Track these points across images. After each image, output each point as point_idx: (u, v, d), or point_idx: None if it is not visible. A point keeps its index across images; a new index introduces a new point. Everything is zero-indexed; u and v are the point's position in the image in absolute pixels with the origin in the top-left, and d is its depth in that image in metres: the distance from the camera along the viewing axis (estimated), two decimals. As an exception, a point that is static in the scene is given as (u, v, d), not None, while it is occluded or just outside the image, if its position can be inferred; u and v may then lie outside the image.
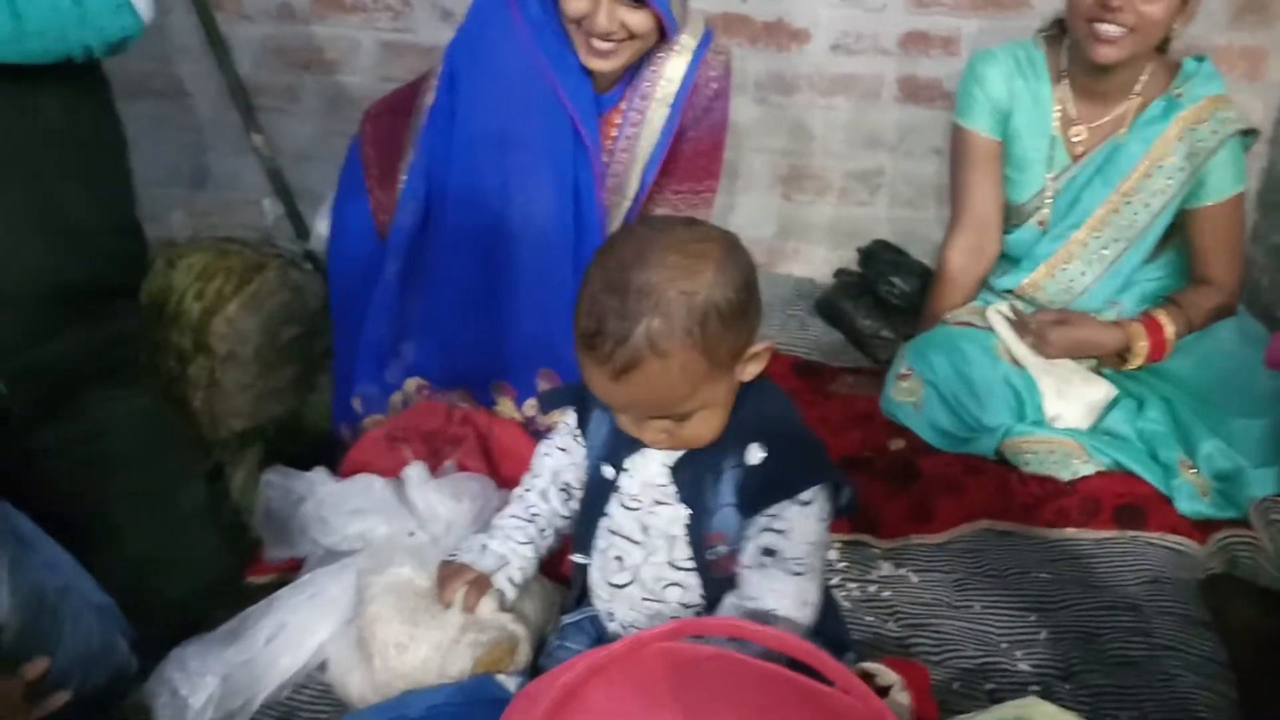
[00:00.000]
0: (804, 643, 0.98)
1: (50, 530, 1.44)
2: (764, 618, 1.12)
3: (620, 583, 1.24)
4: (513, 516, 1.35)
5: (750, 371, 1.14)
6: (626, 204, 1.87)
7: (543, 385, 1.79)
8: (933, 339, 2.02)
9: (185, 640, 1.40)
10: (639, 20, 1.63)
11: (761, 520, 1.16)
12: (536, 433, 1.77)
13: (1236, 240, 1.99)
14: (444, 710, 1.20)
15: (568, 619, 1.34)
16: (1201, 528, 1.73)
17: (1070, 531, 1.73)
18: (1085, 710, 1.37)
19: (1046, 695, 1.37)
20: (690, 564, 1.20)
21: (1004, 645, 1.51)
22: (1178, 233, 1.99)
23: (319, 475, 1.62)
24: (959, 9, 2.42)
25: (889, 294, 2.31)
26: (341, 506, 1.53)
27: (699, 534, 1.18)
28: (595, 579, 1.28)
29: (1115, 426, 1.89)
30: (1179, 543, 1.70)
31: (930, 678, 1.39)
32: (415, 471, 1.54)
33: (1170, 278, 2.03)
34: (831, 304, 2.38)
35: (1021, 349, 1.96)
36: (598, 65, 1.68)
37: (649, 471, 1.20)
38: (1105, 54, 1.82)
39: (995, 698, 1.41)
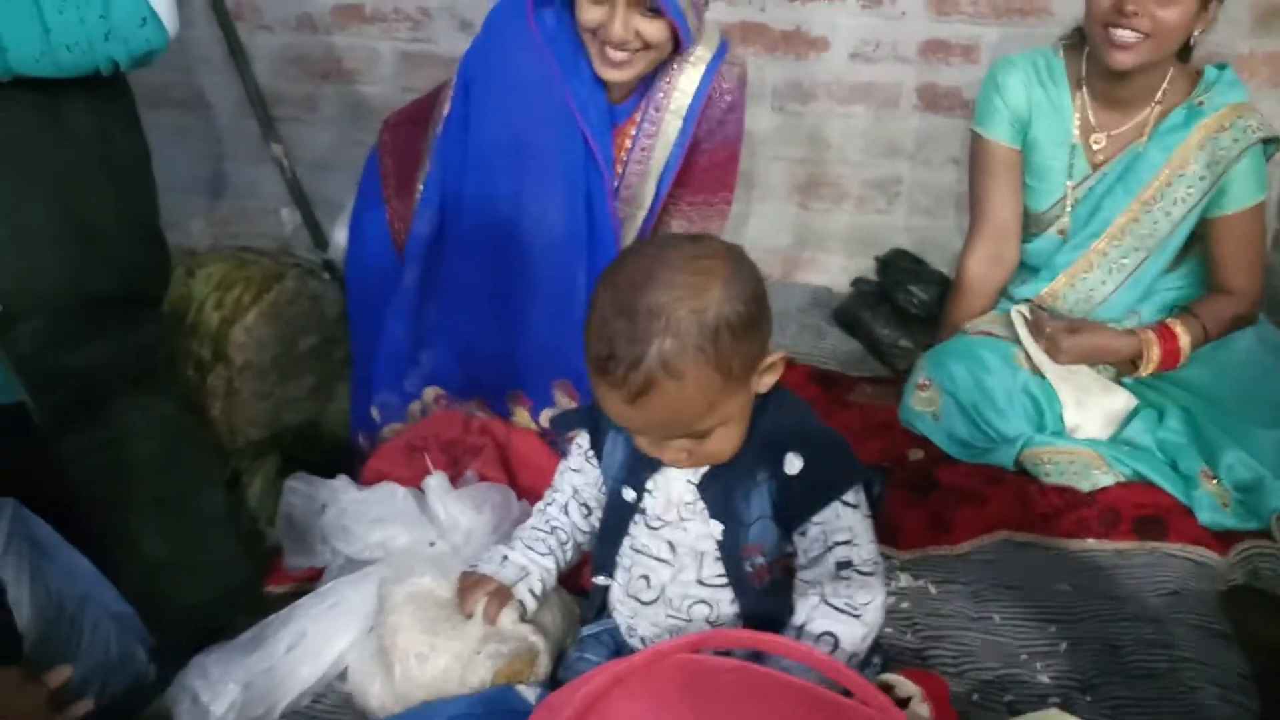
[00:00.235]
0: (823, 654, 0.99)
1: (70, 536, 1.46)
2: (859, 638, 1.16)
3: (647, 600, 1.24)
4: (534, 528, 1.36)
5: (766, 383, 1.14)
6: (642, 214, 1.87)
7: (559, 395, 1.79)
8: (951, 348, 2.01)
9: (207, 648, 1.41)
10: (654, 30, 1.63)
11: (813, 531, 1.17)
12: (554, 443, 1.77)
13: (1257, 249, 1.98)
14: (464, 720, 1.21)
15: (587, 630, 1.34)
16: (1222, 539, 1.72)
17: (1090, 542, 1.72)
18: (1106, 722, 1.37)
19: (1066, 707, 1.36)
20: (720, 580, 1.21)
21: (1023, 657, 1.50)
22: (1198, 242, 1.98)
23: (342, 483, 1.63)
24: (979, 17, 2.41)
25: (907, 303, 2.30)
26: (364, 515, 1.53)
27: (735, 547, 1.19)
28: (618, 595, 1.28)
29: (1135, 437, 1.88)
30: (1200, 554, 1.69)
31: (949, 689, 1.38)
32: (436, 481, 1.55)
33: (1190, 287, 2.02)
34: (849, 313, 2.38)
35: (1042, 355, 1.96)
36: (612, 76, 1.69)
37: (674, 490, 1.20)
38: (1121, 60, 1.81)
39: (1015, 709, 1.40)
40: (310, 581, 1.58)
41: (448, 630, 1.28)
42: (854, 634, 1.16)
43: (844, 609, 1.16)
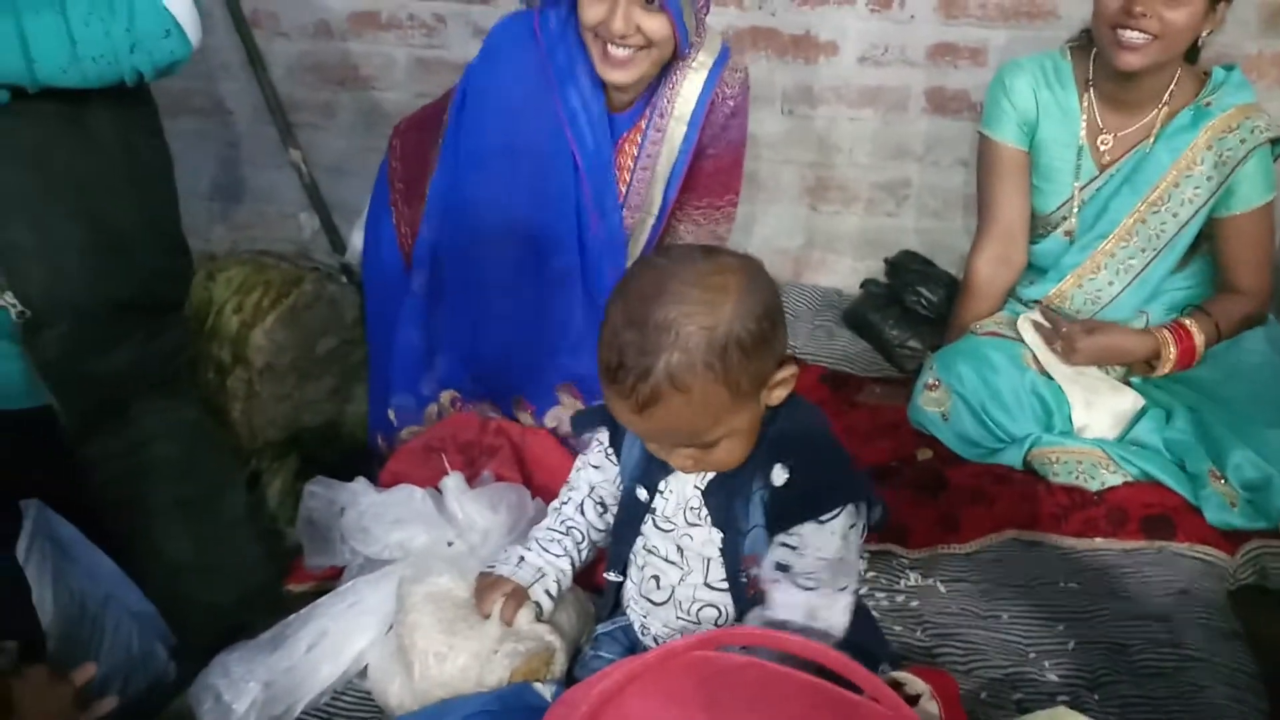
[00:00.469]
0: (835, 652, 1.00)
1: (94, 537, 1.48)
2: (778, 629, 1.12)
3: (658, 600, 1.26)
4: (549, 529, 1.37)
5: (777, 396, 1.14)
6: (650, 220, 1.89)
7: (564, 399, 1.81)
8: (960, 349, 2.02)
9: (229, 647, 1.43)
10: (655, 25, 1.63)
11: (779, 536, 1.16)
12: (568, 442, 1.79)
13: (1266, 249, 1.98)
14: (482, 717, 1.22)
15: (602, 628, 1.35)
16: (1231, 538, 1.72)
17: (1098, 542, 1.73)
18: (1114, 720, 1.38)
19: (1075, 705, 1.38)
20: (725, 585, 1.21)
21: (1032, 655, 1.51)
22: (1206, 242, 1.99)
23: (361, 485, 1.64)
24: (987, 20, 2.42)
25: (916, 304, 2.32)
26: (384, 516, 1.55)
27: (734, 556, 1.19)
28: (631, 593, 1.29)
29: (1143, 436, 1.89)
30: (1208, 553, 1.70)
31: (958, 687, 1.39)
32: (453, 482, 1.56)
33: (1198, 287, 2.03)
34: (859, 314, 2.39)
35: (1050, 357, 1.97)
36: (615, 76, 1.69)
37: (684, 494, 1.21)
38: (1129, 61, 1.82)
39: (1023, 708, 1.41)
40: (330, 580, 1.60)
41: (466, 630, 1.30)
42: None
43: (768, 621, 1.13)
